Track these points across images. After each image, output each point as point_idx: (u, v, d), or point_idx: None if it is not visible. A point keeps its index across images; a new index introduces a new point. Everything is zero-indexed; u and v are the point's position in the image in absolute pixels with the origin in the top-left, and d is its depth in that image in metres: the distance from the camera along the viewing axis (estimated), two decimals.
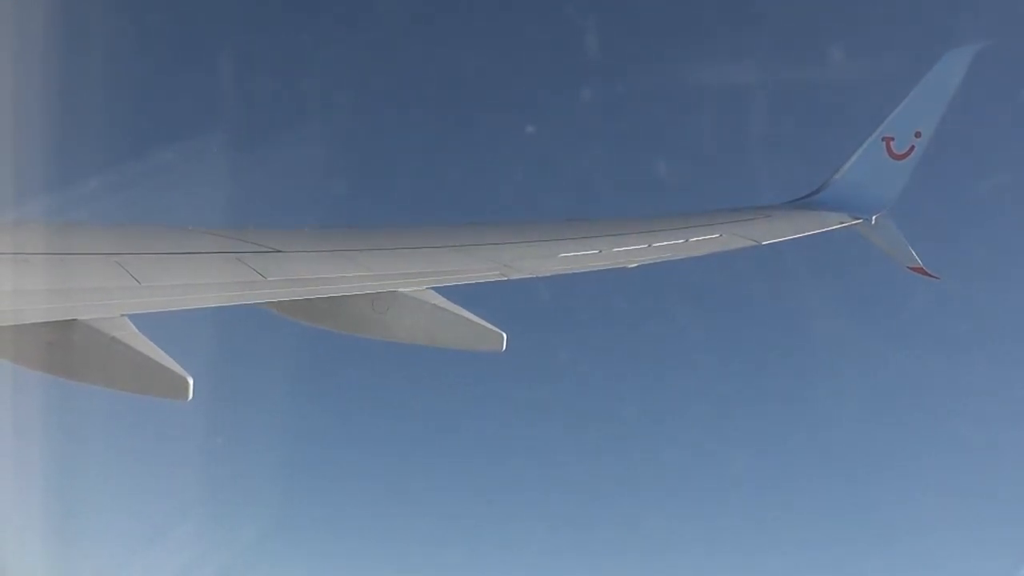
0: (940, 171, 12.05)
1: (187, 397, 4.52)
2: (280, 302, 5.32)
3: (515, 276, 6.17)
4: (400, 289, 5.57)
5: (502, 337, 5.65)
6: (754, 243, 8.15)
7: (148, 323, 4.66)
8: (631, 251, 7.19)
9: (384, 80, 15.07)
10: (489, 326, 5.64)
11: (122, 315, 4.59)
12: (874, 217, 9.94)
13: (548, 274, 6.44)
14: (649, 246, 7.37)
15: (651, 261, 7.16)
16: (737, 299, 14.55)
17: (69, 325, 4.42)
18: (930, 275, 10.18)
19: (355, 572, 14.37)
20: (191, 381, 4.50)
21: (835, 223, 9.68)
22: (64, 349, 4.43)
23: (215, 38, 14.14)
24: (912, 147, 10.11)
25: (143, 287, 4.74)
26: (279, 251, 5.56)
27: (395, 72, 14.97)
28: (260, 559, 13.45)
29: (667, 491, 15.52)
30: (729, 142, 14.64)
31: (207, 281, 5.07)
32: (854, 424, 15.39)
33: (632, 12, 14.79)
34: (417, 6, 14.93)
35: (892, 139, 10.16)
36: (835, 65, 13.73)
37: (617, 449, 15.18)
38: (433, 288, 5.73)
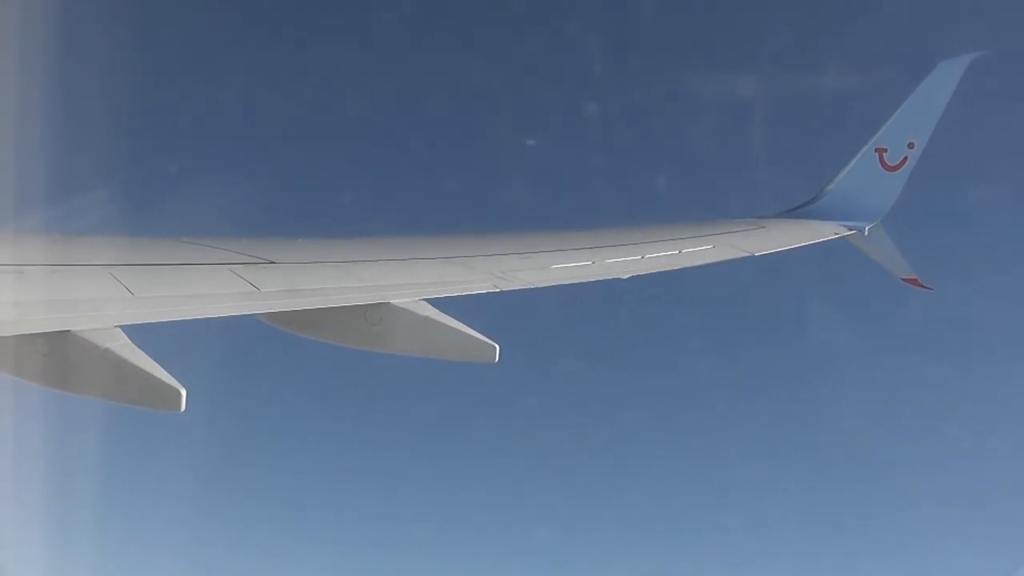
0: (933, 182, 12.10)
1: (180, 408, 4.51)
2: (273, 313, 5.33)
3: (508, 287, 6.19)
4: (393, 300, 5.59)
5: (495, 348, 5.65)
6: (748, 254, 8.19)
7: (142, 334, 4.67)
8: (624, 262, 7.22)
9: (379, 90, 15.11)
10: (482, 337, 5.65)
11: (116, 326, 4.59)
12: (867, 228, 10.00)
13: (541, 285, 6.46)
14: (642, 257, 7.40)
15: (645, 273, 7.19)
16: (730, 309, 14.58)
17: (63, 336, 4.42)
18: (923, 286, 10.23)
19: None
20: (184, 392, 4.50)
21: (829, 234, 9.73)
22: (58, 360, 4.44)
23: (206, 50, 14.19)
24: (905, 158, 10.17)
25: (137, 298, 4.75)
26: (273, 262, 5.58)
27: (389, 82, 15.01)
28: (254, 567, 13.45)
29: (662, 500, 15.53)
30: (722, 152, 14.70)
31: (201, 292, 5.09)
32: (850, 431, 15.43)
33: (627, 23, 14.84)
34: (414, 15, 14.97)
35: (885, 150, 10.22)
36: (828, 76, 13.80)
37: (611, 460, 15.19)
38: (426, 299, 5.74)
